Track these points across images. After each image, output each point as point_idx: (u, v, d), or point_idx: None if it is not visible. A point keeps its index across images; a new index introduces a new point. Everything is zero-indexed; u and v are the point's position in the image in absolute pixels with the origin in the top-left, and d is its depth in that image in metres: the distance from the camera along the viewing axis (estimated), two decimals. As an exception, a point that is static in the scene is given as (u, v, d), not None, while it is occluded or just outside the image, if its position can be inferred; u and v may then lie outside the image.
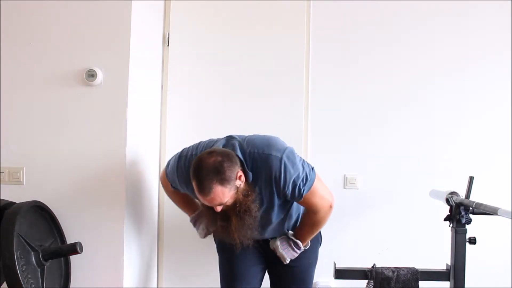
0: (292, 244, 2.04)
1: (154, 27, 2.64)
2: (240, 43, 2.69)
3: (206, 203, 1.79)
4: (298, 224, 2.07)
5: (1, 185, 2.19)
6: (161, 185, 2.67)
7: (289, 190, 1.84)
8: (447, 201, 2.26)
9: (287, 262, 2.05)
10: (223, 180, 1.71)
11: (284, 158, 1.82)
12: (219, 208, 1.79)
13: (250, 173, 1.82)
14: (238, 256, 2.05)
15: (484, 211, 2.02)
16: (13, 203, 2.00)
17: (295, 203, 1.99)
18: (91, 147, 2.19)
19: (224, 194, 1.73)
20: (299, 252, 2.05)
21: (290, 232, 2.06)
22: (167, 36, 2.70)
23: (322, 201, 1.93)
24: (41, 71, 2.21)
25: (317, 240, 2.17)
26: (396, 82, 2.71)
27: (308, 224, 2.02)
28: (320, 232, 2.17)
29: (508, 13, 2.69)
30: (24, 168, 2.21)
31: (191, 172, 1.77)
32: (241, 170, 1.79)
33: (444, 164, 2.67)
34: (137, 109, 2.32)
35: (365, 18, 2.71)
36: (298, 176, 1.84)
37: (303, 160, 1.94)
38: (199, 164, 1.74)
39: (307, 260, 2.12)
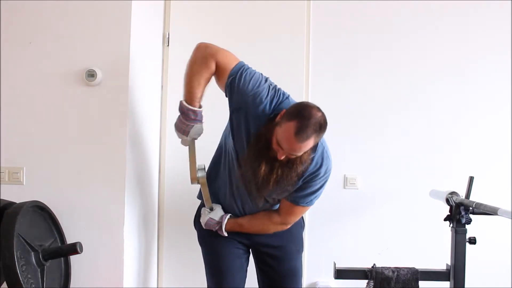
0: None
1: (154, 27, 2.64)
2: (240, 43, 2.68)
3: (289, 149, 1.73)
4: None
5: (1, 185, 2.19)
6: (161, 185, 2.68)
7: (305, 188, 1.90)
8: (447, 201, 2.26)
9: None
10: (318, 136, 1.76)
11: (329, 173, 1.93)
12: (283, 157, 1.75)
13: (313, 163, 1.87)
14: (223, 248, 2.05)
15: (484, 211, 2.03)
16: (13, 203, 2.00)
17: None
18: (91, 147, 2.19)
19: (310, 147, 1.76)
20: (213, 225, 2.02)
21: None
22: (167, 36, 2.70)
23: (291, 221, 2.01)
24: (41, 71, 2.21)
25: (300, 226, 2.15)
26: (396, 82, 2.71)
27: (257, 224, 2.02)
28: (302, 217, 2.15)
29: (508, 13, 2.69)
30: (24, 168, 2.21)
31: (295, 113, 1.72)
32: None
33: (444, 164, 2.68)
34: (137, 109, 2.32)
35: (365, 19, 2.72)
36: (316, 192, 1.93)
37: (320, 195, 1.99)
38: (309, 111, 1.72)
39: (295, 247, 2.10)
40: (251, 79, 1.82)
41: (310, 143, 1.73)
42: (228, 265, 2.06)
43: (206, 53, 1.85)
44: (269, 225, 2.01)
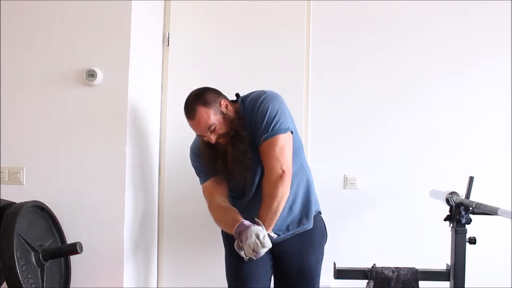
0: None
1: (154, 27, 2.64)
2: (240, 43, 2.69)
3: (196, 130, 1.97)
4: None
5: (1, 185, 2.19)
6: (161, 185, 2.69)
7: (258, 123, 1.92)
8: (447, 201, 2.26)
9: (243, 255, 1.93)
10: (205, 102, 1.92)
11: (269, 92, 1.99)
12: (212, 138, 1.93)
13: (242, 108, 1.99)
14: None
15: (484, 211, 2.02)
16: (13, 203, 2.00)
17: None
18: (91, 147, 2.19)
19: (208, 115, 1.91)
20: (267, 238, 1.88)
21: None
22: (167, 36, 2.70)
23: (278, 159, 1.89)
24: (41, 71, 2.21)
25: (323, 236, 2.14)
26: (396, 82, 2.71)
27: (265, 194, 1.92)
28: (325, 228, 2.15)
29: (508, 13, 2.69)
30: (24, 168, 2.21)
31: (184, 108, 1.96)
32: (227, 101, 1.98)
33: (444, 164, 2.68)
34: (137, 109, 2.32)
35: (365, 19, 2.72)
36: (275, 114, 1.92)
37: (291, 117, 1.99)
38: (186, 98, 1.97)
39: (315, 257, 2.09)
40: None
41: (202, 114, 1.91)
42: (251, 271, 2.03)
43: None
44: (272, 187, 1.90)
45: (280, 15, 2.69)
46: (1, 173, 2.20)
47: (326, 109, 2.71)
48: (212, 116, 1.91)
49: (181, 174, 2.65)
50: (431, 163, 2.68)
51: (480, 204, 2.03)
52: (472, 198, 2.19)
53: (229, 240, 2.08)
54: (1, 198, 2.06)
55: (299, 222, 2.05)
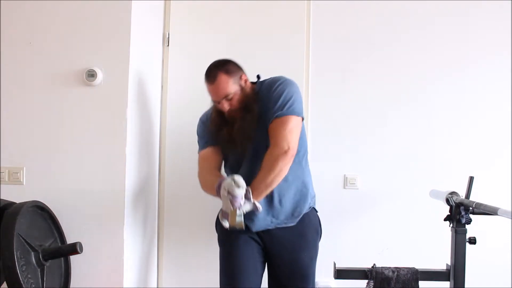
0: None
1: (154, 27, 2.64)
2: (240, 43, 2.68)
3: (213, 95, 2.03)
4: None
5: (1, 185, 2.19)
6: (161, 185, 2.69)
7: (272, 102, 1.98)
8: (447, 201, 2.26)
9: (224, 208, 1.92)
10: (227, 70, 2.00)
11: (289, 78, 2.06)
12: (226, 107, 2.00)
13: (259, 86, 2.07)
14: (239, 250, 2.05)
15: (484, 211, 2.02)
16: (13, 203, 2.00)
17: None
18: (91, 147, 2.19)
19: (227, 83, 1.98)
20: (244, 203, 1.89)
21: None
22: (167, 36, 2.70)
23: (286, 137, 1.93)
24: (41, 71, 2.21)
25: (316, 233, 2.15)
26: (396, 82, 2.71)
27: (264, 166, 1.93)
28: (320, 224, 2.16)
29: (508, 13, 2.69)
30: (24, 168, 2.21)
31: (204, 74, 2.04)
32: (246, 77, 2.06)
33: (444, 164, 2.68)
34: (137, 109, 2.32)
35: (365, 18, 2.72)
36: (290, 97, 1.98)
37: (301, 102, 2.05)
38: (210, 64, 2.05)
39: (308, 254, 2.10)
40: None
41: (223, 80, 1.98)
42: (243, 267, 2.05)
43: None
44: (272, 160, 1.92)
45: (280, 15, 2.69)
46: (1, 173, 2.20)
47: (326, 109, 2.71)
48: (231, 85, 1.99)
49: (181, 174, 2.65)
50: (431, 163, 2.68)
51: (480, 204, 2.03)
52: (472, 198, 2.19)
53: (223, 237, 2.12)
54: (1, 198, 2.06)
55: (290, 216, 2.07)
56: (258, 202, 1.93)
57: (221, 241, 2.16)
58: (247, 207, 1.90)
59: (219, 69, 2.00)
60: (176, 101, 2.69)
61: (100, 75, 2.18)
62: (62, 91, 2.20)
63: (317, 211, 2.19)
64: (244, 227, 1.94)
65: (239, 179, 1.86)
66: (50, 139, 2.20)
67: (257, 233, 2.07)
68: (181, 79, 2.69)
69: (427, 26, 2.71)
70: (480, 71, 2.70)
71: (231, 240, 2.08)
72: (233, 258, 2.07)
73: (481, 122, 2.70)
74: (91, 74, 2.18)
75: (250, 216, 2.00)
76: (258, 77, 2.14)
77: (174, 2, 2.71)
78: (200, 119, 2.25)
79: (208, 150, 2.15)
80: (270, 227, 2.06)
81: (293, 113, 1.97)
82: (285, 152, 1.92)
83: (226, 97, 1.99)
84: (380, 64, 2.71)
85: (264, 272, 2.16)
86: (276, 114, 1.96)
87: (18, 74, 2.21)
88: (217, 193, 1.94)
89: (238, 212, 1.89)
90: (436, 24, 2.71)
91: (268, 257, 2.11)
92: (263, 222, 2.04)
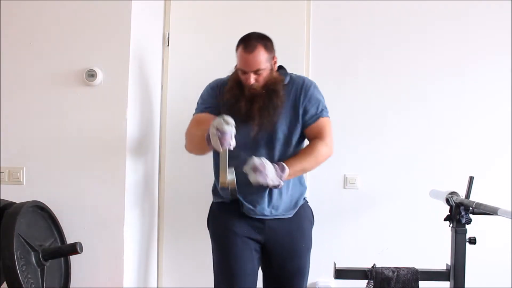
0: (277, 167, 1.93)
1: (154, 27, 2.64)
2: (240, 43, 2.68)
3: (245, 64, 1.98)
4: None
5: (1, 185, 2.19)
6: (161, 185, 2.69)
7: (311, 103, 2.06)
8: (447, 201, 2.26)
9: (255, 182, 1.89)
10: (266, 46, 2.00)
11: (315, 84, 2.14)
12: (252, 80, 1.98)
13: (288, 78, 2.10)
14: (235, 252, 2.04)
15: (484, 211, 2.02)
16: (13, 203, 2.00)
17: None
18: (91, 147, 2.19)
19: (263, 57, 1.98)
20: (276, 178, 1.91)
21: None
22: (167, 36, 2.70)
23: (332, 139, 2.09)
24: (41, 71, 2.21)
25: (311, 224, 2.17)
26: (396, 82, 2.71)
27: (305, 151, 2.06)
28: (312, 215, 2.18)
29: (508, 13, 2.69)
30: (24, 168, 2.21)
31: (239, 40, 2.02)
32: (276, 60, 2.07)
33: (444, 164, 2.68)
34: (137, 109, 2.32)
35: (366, 19, 2.71)
36: (322, 101, 2.11)
37: None
38: (248, 33, 2.03)
39: (305, 245, 2.11)
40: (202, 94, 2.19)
41: (260, 53, 1.96)
42: (240, 267, 2.04)
43: None
44: (320, 154, 2.05)
45: (280, 15, 2.69)
46: (1, 173, 2.20)
47: (326, 109, 2.70)
48: (265, 61, 1.99)
49: (182, 174, 2.65)
50: (431, 163, 2.68)
51: (480, 204, 2.03)
52: (472, 198, 2.19)
53: (216, 236, 2.11)
54: (1, 198, 2.06)
55: (288, 208, 2.09)
56: (282, 182, 1.94)
57: (216, 239, 2.12)
58: (230, 127, 1.82)
59: (259, 42, 1.99)
60: (176, 101, 2.69)
61: (100, 75, 2.18)
62: (62, 91, 2.20)
63: (307, 201, 2.22)
64: (236, 186, 1.92)
65: (228, 117, 1.82)
66: (50, 139, 2.20)
67: (255, 229, 2.06)
68: (181, 79, 2.69)
69: (427, 26, 2.71)
70: (480, 71, 2.70)
71: (228, 238, 2.06)
72: (230, 258, 2.05)
73: (481, 122, 2.70)
74: (91, 74, 2.18)
75: (253, 202, 2.02)
76: (281, 67, 2.15)
77: (174, 2, 2.71)
78: (209, 85, 2.17)
79: (206, 115, 2.07)
80: (269, 217, 2.06)
81: (328, 115, 2.12)
82: (330, 152, 2.09)
83: (257, 71, 1.98)
84: (380, 64, 2.71)
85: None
86: (323, 113, 2.08)
87: (18, 74, 2.21)
88: (207, 142, 1.85)
89: (228, 170, 1.86)
90: (436, 24, 2.70)
91: (266, 251, 2.10)
92: (264, 210, 2.05)
